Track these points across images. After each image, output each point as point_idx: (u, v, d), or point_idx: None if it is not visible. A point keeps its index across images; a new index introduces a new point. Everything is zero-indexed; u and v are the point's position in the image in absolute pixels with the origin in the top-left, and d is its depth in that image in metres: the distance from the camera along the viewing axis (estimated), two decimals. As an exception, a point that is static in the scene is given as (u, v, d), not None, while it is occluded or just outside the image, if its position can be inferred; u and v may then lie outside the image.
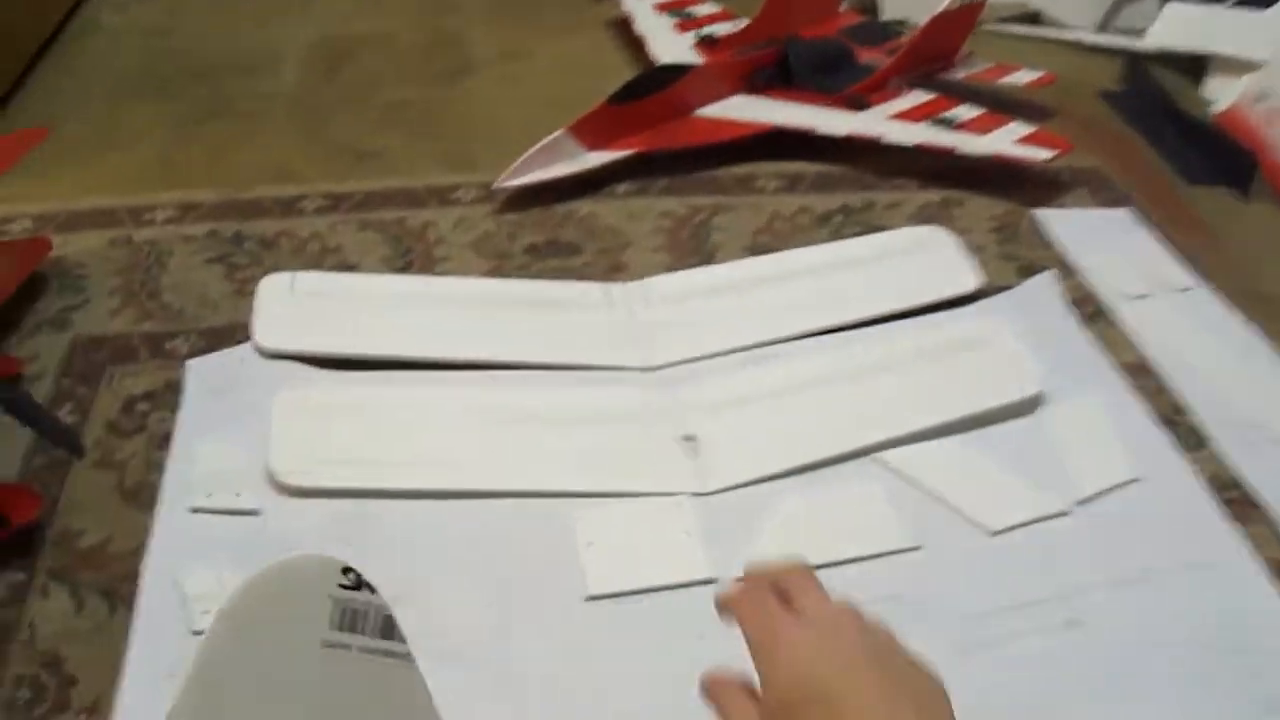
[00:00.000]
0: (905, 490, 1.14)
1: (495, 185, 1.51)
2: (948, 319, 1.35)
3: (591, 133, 1.57)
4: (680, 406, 1.22)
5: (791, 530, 1.10)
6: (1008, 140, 1.63)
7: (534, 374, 1.26)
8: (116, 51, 2.00)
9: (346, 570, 0.74)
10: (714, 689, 0.71)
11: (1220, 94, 1.88)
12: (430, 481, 1.13)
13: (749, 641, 0.67)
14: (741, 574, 0.74)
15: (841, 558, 1.07)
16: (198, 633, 0.98)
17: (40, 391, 1.25)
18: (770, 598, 0.69)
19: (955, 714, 0.63)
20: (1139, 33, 2.06)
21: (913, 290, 1.38)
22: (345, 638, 0.74)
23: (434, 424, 1.19)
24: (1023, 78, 1.85)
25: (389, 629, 0.75)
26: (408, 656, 0.75)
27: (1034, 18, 2.19)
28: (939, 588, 1.05)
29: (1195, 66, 1.96)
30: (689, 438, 1.18)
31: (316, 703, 0.73)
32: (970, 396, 1.22)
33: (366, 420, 1.19)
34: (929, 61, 1.84)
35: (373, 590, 0.74)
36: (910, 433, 1.19)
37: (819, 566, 0.92)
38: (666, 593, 1.04)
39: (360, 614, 0.74)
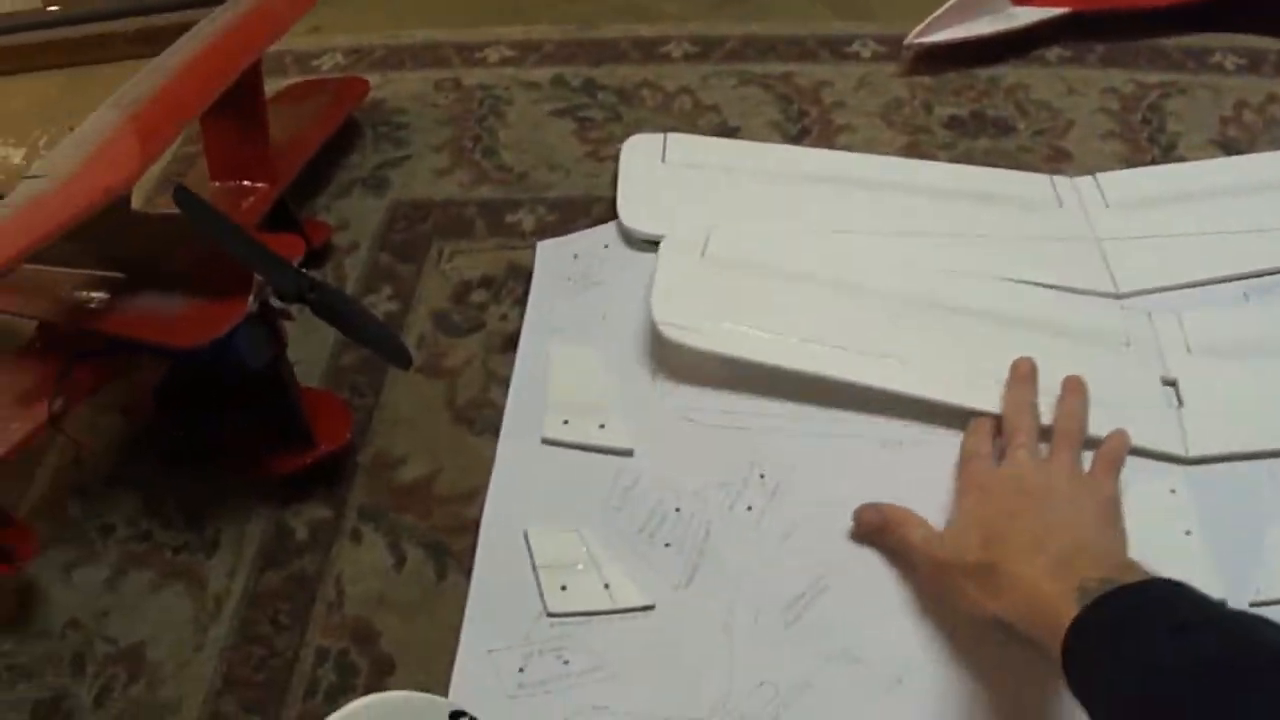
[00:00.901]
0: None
1: (907, 41, 1.21)
2: None
3: (1023, -16, 1.25)
4: (1157, 342, 0.91)
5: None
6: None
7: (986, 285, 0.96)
8: None
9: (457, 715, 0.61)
10: (877, 507, 0.78)
11: None
12: (842, 371, 0.87)
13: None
14: None
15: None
16: (554, 615, 0.76)
17: (353, 268, 1.04)
18: (986, 443, 0.81)
19: None
20: None
21: None
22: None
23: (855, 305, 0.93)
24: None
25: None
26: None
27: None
28: None
29: None
30: (1169, 382, 0.88)
31: None
32: None
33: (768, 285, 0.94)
34: None
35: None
36: None
37: None
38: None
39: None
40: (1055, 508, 0.73)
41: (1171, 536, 0.78)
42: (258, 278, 0.75)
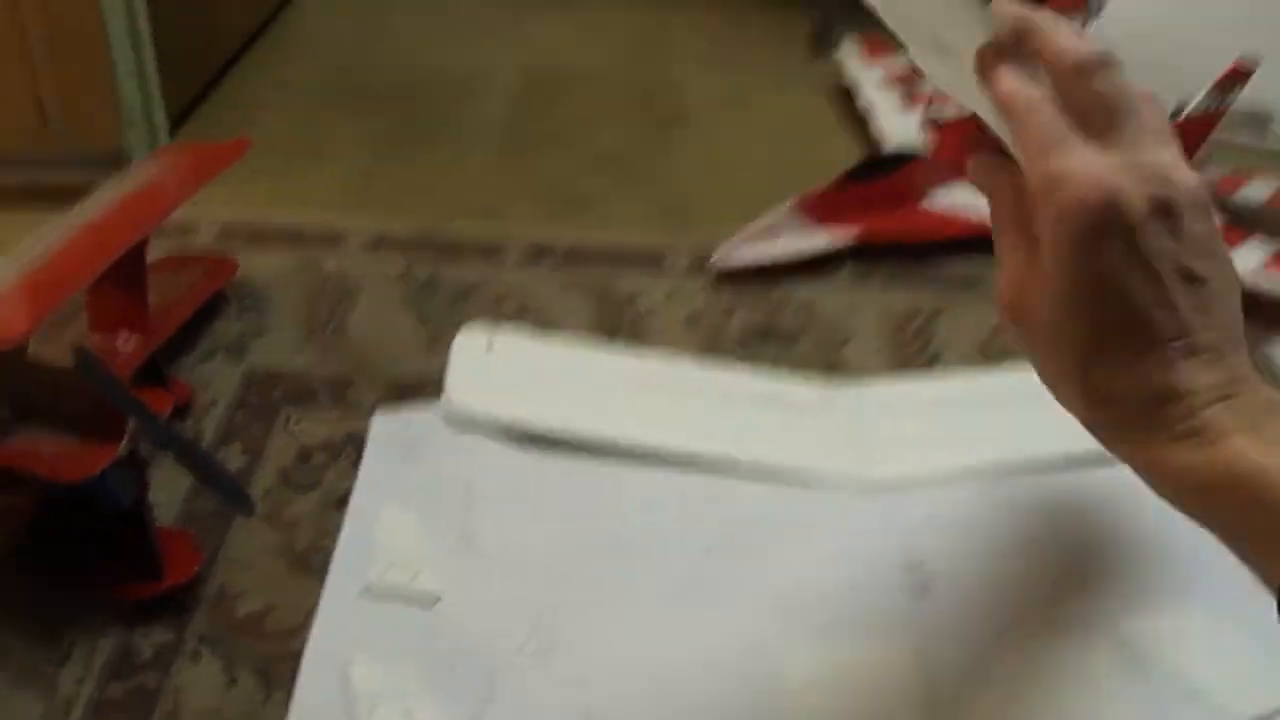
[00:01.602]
0: (1140, 664, 0.98)
1: (712, 262, 1.40)
2: None
3: (819, 209, 1.46)
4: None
5: (1015, 697, 0.96)
6: (1251, 263, 1.48)
7: (746, 482, 1.14)
8: (318, 58, 1.93)
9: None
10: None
11: None
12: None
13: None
14: None
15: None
16: None
17: (210, 425, 1.17)
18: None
19: None
20: None
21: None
22: None
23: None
24: (1266, 188, 1.69)
25: None
26: None
27: (1262, 120, 2.02)
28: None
29: None
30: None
31: None
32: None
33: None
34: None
35: None
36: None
37: None
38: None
39: None
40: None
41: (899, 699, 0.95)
42: (130, 425, 0.90)
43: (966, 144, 1.59)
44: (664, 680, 0.95)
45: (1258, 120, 1.98)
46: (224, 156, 1.27)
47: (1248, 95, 1.78)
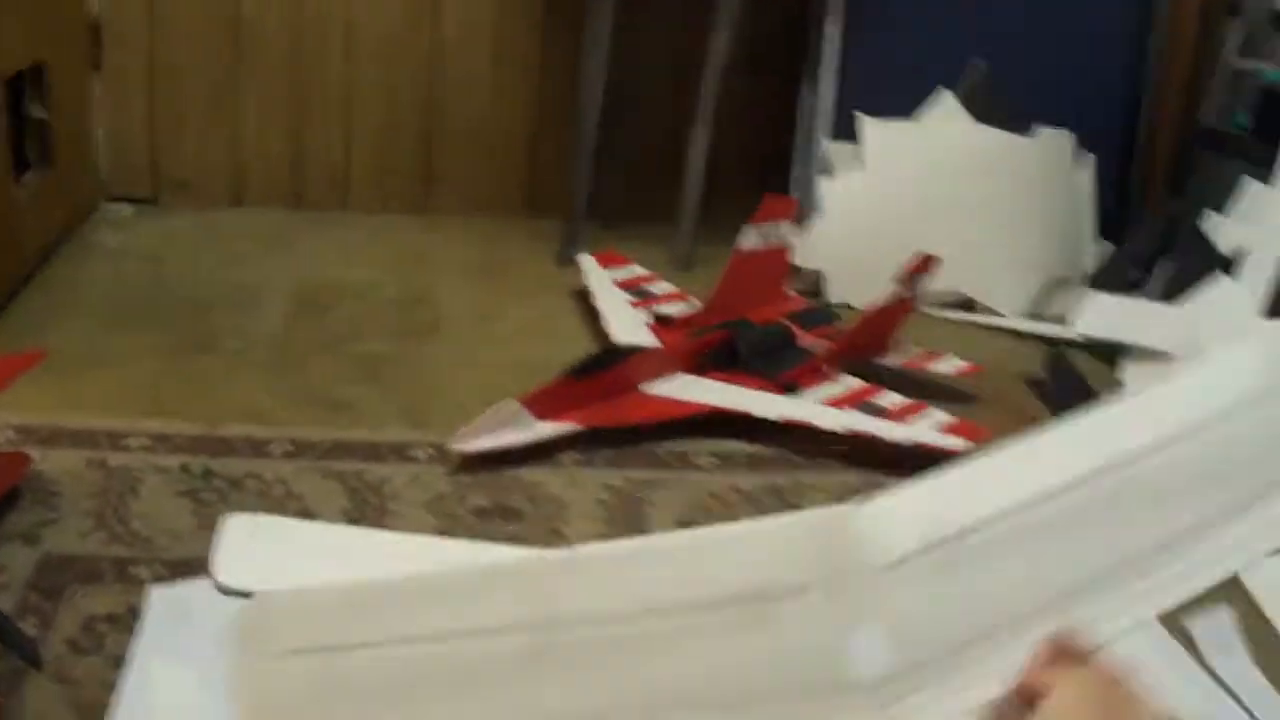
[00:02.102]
0: None
1: (449, 447, 1.63)
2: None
3: (543, 405, 1.70)
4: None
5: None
6: (930, 429, 1.78)
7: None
8: (112, 273, 2.13)
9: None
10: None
11: (1134, 378, 2.07)
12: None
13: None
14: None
15: None
16: None
17: (5, 602, 1.32)
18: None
19: None
20: (1064, 321, 2.29)
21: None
22: None
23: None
24: (951, 365, 2.02)
25: None
26: None
27: (969, 304, 2.38)
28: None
29: (1112, 352, 2.16)
30: None
31: None
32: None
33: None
34: (864, 350, 2.04)
35: None
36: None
37: None
38: None
39: None
40: None
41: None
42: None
43: (686, 340, 1.88)
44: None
45: (965, 302, 2.33)
46: (18, 365, 1.46)
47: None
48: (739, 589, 0.82)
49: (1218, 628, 1.07)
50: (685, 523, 1.59)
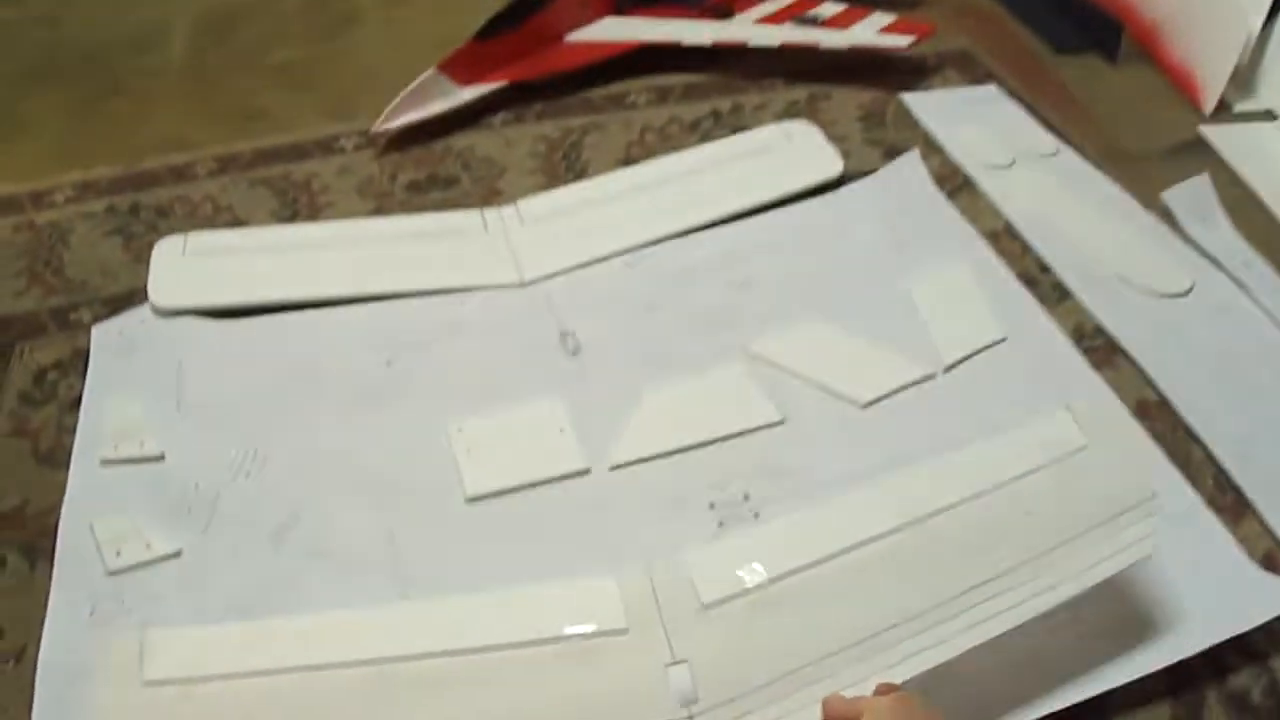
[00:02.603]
0: (777, 375, 1.21)
1: (373, 130, 1.57)
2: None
3: (462, 68, 1.64)
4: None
5: (659, 417, 1.17)
6: (870, 31, 1.70)
7: (415, 301, 1.33)
8: (11, 42, 2.04)
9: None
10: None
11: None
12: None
13: None
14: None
15: (708, 438, 1.15)
16: (113, 573, 1.06)
17: None
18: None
19: None
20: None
21: (778, 182, 1.45)
22: None
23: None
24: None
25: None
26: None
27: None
28: (808, 459, 1.12)
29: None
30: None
31: None
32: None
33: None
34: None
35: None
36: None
37: (684, 448, 1.11)
38: (544, 487, 1.12)
39: None
40: None
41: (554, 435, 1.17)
42: None
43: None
44: (357, 470, 1.15)
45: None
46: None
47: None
48: (564, 632, 0.88)
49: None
50: (625, 161, 1.55)
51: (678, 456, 1.14)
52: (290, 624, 0.92)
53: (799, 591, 0.89)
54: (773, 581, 0.89)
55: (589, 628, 0.89)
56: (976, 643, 0.87)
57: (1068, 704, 0.91)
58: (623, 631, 0.88)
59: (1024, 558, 0.90)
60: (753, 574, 0.89)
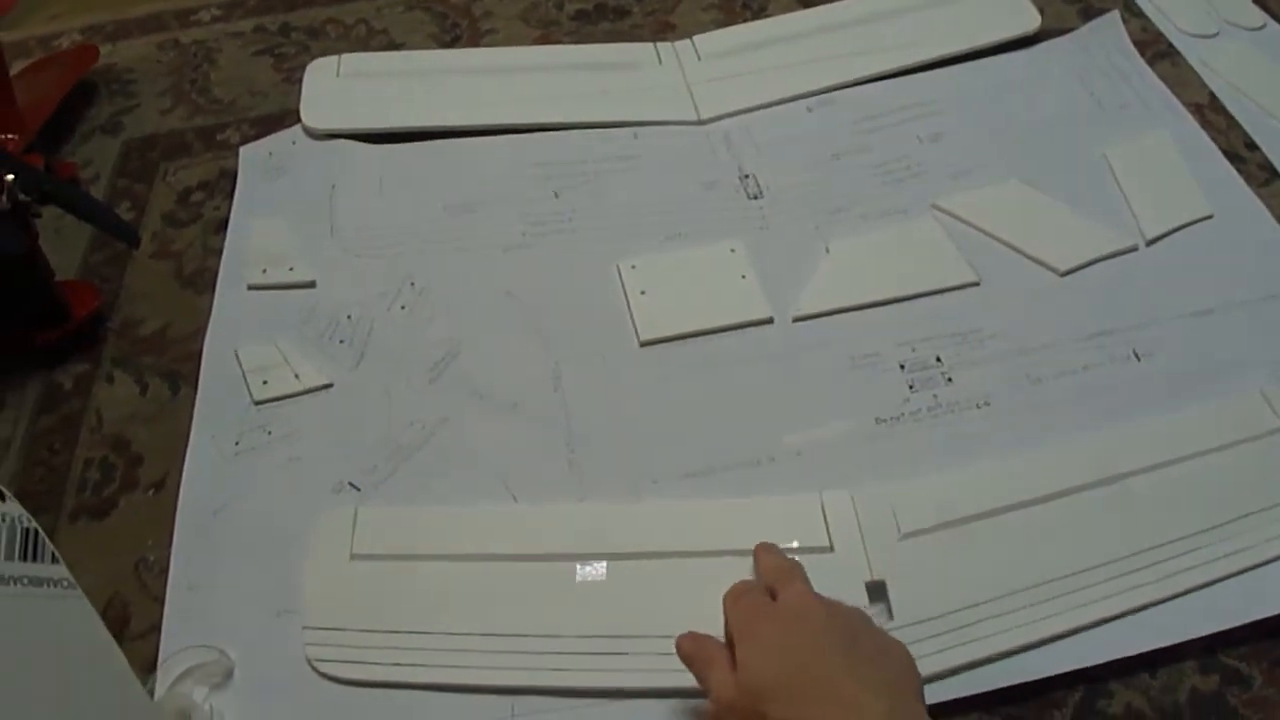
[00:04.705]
0: (969, 234, 1.10)
1: (541, -46, 1.47)
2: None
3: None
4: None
5: (847, 270, 1.07)
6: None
7: (585, 132, 1.23)
8: None
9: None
10: (695, 640, 0.75)
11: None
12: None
13: (731, 631, 0.73)
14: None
15: (898, 294, 1.05)
16: (259, 403, 1.00)
17: (96, 193, 1.25)
18: (755, 591, 0.75)
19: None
20: None
21: (971, 33, 1.32)
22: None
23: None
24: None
25: (33, 547, 0.59)
26: (65, 584, 0.61)
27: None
28: (1004, 324, 1.03)
29: None
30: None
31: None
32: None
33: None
34: None
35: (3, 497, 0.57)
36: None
37: (873, 304, 1.02)
38: (723, 335, 1.03)
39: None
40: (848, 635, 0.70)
41: (734, 281, 1.07)
42: (8, 179, 0.98)
43: None
44: (520, 306, 1.06)
45: None
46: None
47: None
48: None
49: None
50: (806, 2, 1.42)
51: (867, 312, 1.04)
52: (495, 513, 0.90)
53: (992, 532, 0.86)
54: (967, 520, 0.87)
55: (794, 543, 0.86)
56: (1160, 597, 0.83)
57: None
58: (827, 549, 0.85)
59: (1214, 524, 0.86)
60: (949, 511, 0.87)
